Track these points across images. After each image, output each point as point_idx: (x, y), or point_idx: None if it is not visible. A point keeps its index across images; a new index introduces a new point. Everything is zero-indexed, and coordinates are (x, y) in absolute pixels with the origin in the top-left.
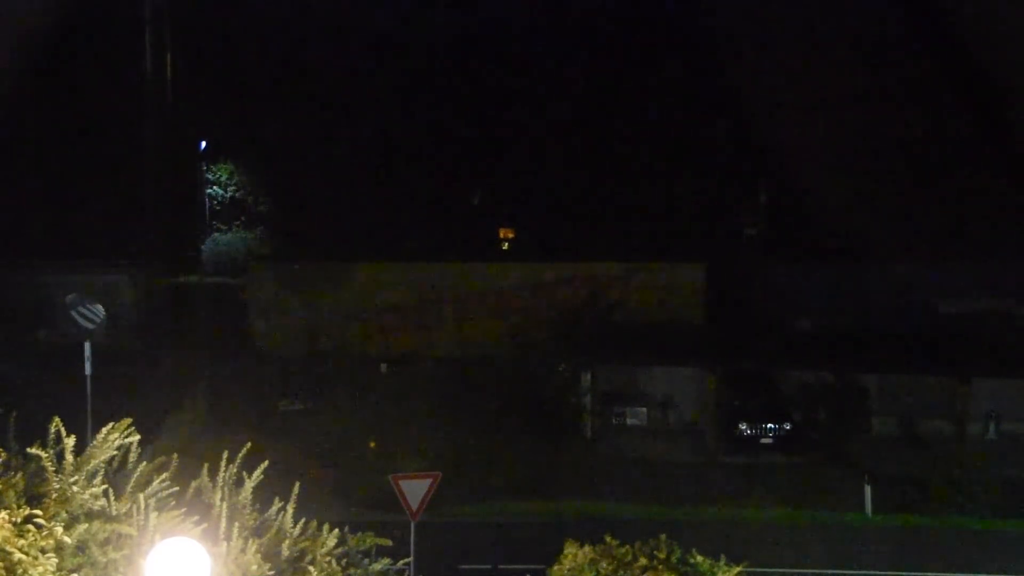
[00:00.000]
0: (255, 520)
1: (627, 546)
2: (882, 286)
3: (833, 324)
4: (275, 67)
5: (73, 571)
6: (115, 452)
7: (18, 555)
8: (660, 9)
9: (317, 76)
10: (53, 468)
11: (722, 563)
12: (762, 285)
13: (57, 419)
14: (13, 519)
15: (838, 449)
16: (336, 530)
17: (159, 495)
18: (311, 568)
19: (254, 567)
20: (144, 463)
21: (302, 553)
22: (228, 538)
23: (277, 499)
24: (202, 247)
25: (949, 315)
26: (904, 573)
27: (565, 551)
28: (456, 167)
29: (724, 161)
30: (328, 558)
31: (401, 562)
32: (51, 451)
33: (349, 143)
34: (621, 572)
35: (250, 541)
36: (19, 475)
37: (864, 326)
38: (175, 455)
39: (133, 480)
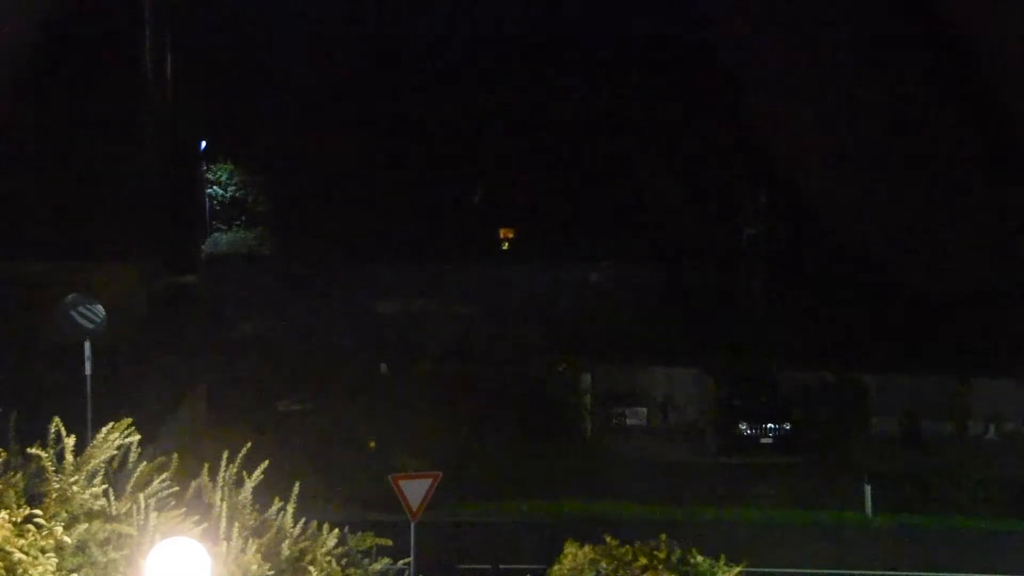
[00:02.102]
0: (255, 520)
1: (627, 546)
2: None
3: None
4: (275, 67)
5: (73, 571)
6: (115, 452)
7: (18, 555)
8: (659, 9)
9: (317, 76)
10: (53, 468)
11: (722, 563)
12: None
13: (57, 419)
14: (13, 519)
15: (838, 449)
16: (336, 530)
17: (159, 495)
18: (311, 568)
19: (254, 567)
20: (144, 463)
21: (302, 553)
22: (228, 538)
23: (277, 499)
24: (202, 247)
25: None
26: (904, 573)
27: (565, 551)
28: (456, 167)
29: (718, 160)
30: (328, 558)
31: (401, 562)
32: (51, 451)
33: (349, 142)
34: (621, 572)
35: (250, 541)
36: (19, 475)
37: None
38: (175, 455)
39: (133, 480)
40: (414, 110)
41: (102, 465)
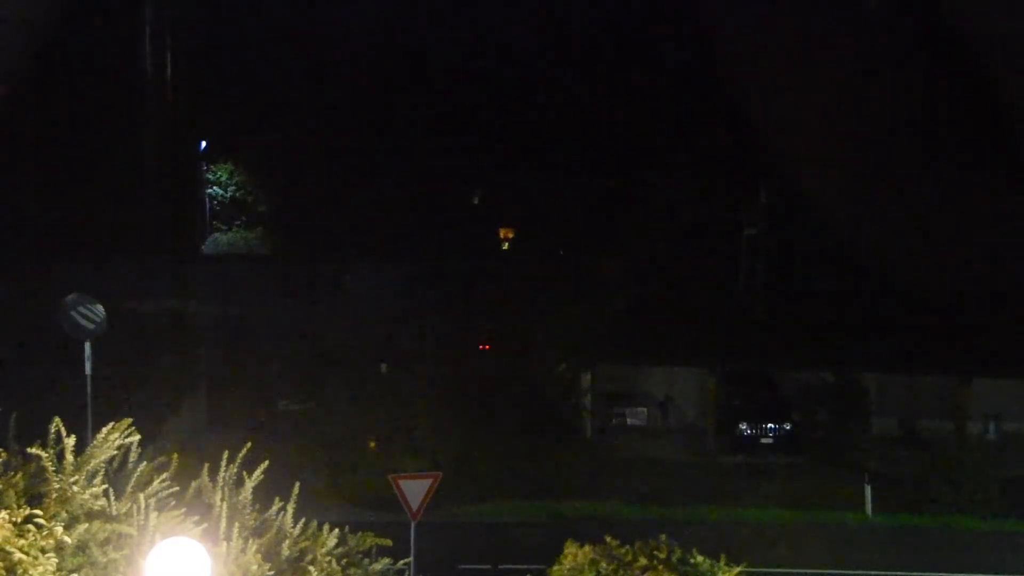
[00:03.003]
0: (255, 520)
1: (627, 546)
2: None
3: None
4: (275, 67)
5: (73, 571)
6: (115, 452)
7: (18, 555)
8: (659, 7)
9: (316, 76)
10: (53, 468)
11: (722, 563)
12: None
13: (57, 419)
14: (13, 519)
15: (838, 449)
16: (336, 530)
17: (159, 495)
18: (311, 568)
19: (254, 567)
20: (144, 463)
21: (302, 553)
22: (228, 538)
23: (277, 499)
24: (202, 247)
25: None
26: (904, 573)
27: (565, 551)
28: (456, 167)
29: (722, 160)
30: (328, 558)
31: (401, 562)
32: (51, 451)
33: (349, 142)
34: (621, 572)
35: (250, 541)
36: (19, 475)
37: None
38: (175, 455)
39: (133, 480)
40: (413, 110)
41: (102, 465)
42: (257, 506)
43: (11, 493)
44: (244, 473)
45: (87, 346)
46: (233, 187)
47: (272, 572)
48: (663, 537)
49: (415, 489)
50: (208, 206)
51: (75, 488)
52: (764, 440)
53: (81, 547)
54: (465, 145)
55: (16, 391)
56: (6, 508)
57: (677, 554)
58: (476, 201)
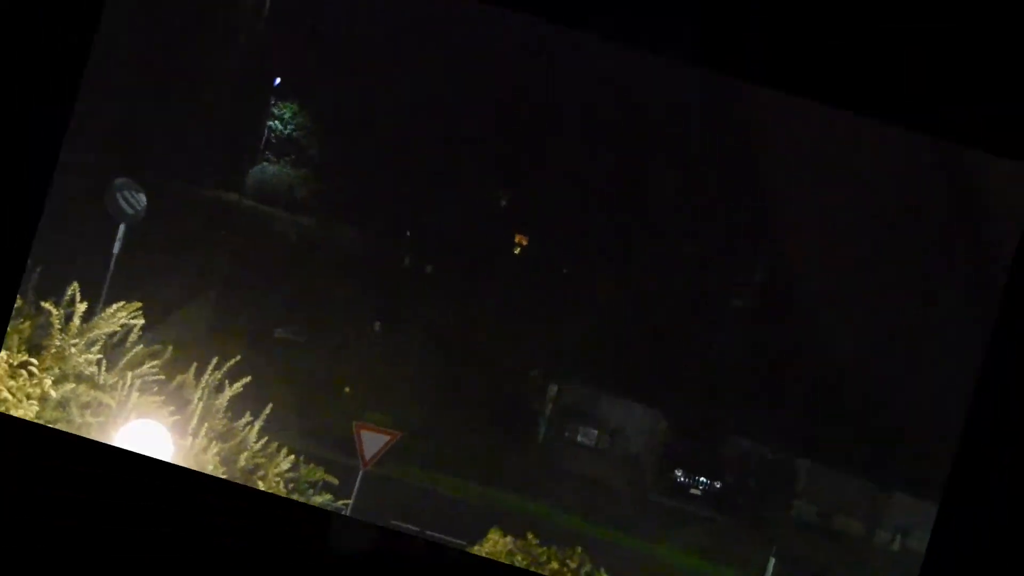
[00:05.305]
0: (224, 427)
1: (544, 548)
2: None
3: None
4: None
5: (50, 423)
6: (118, 329)
7: (5, 393)
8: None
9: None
10: (59, 326)
11: None
12: None
13: (76, 284)
14: (10, 361)
15: (757, 520)
16: (292, 456)
17: (146, 378)
18: (260, 483)
19: (210, 467)
20: (141, 347)
21: (256, 467)
22: (196, 435)
23: (248, 413)
24: (250, 170)
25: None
26: None
27: (488, 536)
28: (477, 172)
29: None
30: (278, 479)
31: (340, 502)
32: (62, 310)
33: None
34: (534, 568)
35: (213, 443)
36: (27, 323)
37: None
38: (170, 347)
39: (127, 358)
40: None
41: (103, 336)
42: (229, 414)
43: (15, 337)
44: (227, 382)
45: (122, 228)
46: (292, 127)
47: (226, 476)
48: (579, 550)
49: (373, 441)
50: (266, 137)
51: (73, 350)
52: (693, 491)
53: (63, 404)
54: (485, 151)
55: (49, 256)
56: (7, 349)
57: (587, 568)
58: (504, 204)
